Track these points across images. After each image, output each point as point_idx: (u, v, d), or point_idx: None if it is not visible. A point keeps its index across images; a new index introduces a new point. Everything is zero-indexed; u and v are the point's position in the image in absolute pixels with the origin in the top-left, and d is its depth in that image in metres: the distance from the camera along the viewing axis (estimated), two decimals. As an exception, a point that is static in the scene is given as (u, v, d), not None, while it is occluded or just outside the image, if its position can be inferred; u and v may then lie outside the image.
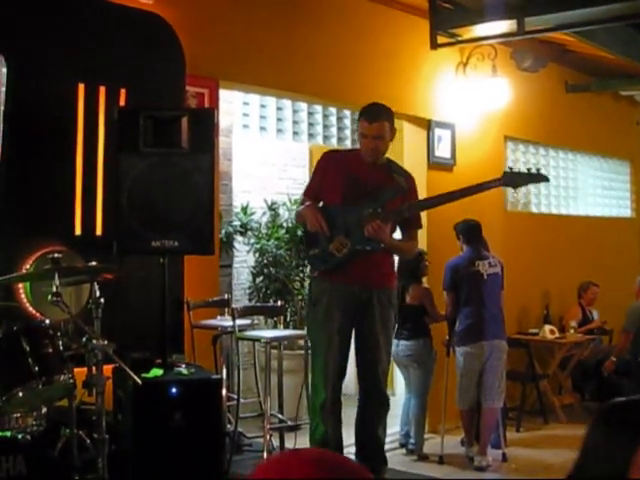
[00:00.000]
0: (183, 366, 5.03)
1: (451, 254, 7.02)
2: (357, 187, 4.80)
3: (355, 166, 4.87)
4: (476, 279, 6.69)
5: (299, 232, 7.83)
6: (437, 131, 7.92)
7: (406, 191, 4.87)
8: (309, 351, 6.04)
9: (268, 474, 1.33)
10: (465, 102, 8.13)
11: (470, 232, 6.85)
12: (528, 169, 5.04)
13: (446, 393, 6.93)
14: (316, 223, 4.72)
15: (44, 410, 4.02)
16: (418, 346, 6.77)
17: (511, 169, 5.01)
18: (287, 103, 8.56)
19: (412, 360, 6.80)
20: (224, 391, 5.13)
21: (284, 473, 1.31)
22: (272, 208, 8.23)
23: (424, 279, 7.01)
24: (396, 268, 6.92)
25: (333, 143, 8.84)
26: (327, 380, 4.79)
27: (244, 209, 7.99)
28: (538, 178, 4.98)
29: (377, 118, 4.80)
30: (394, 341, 6.80)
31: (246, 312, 6.13)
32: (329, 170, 4.95)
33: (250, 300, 7.89)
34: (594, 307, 9.37)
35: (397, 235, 5.04)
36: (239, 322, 5.75)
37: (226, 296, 6.39)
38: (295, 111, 8.64)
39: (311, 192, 5.02)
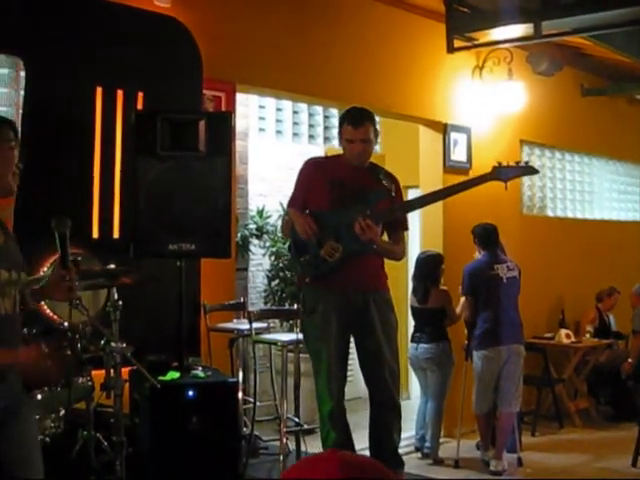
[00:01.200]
0: (200, 369, 5.03)
1: (466, 258, 7.01)
2: (343, 191, 4.77)
3: (339, 171, 4.84)
4: (495, 283, 6.67)
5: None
6: (453, 135, 7.91)
7: (392, 192, 4.86)
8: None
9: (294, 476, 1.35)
10: (481, 106, 8.12)
11: (488, 236, 6.82)
12: (517, 162, 5.03)
13: (464, 397, 6.91)
14: (307, 228, 4.68)
15: (62, 412, 4.02)
16: (438, 349, 6.77)
17: (500, 163, 4.99)
18: (303, 106, 8.58)
19: (431, 363, 6.79)
20: (240, 394, 5.13)
21: (311, 474, 1.32)
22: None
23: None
24: (415, 272, 6.97)
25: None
26: (332, 388, 4.76)
27: (260, 212, 7.99)
28: (527, 170, 5.00)
29: (362, 122, 4.78)
30: (412, 345, 6.83)
31: (262, 315, 6.13)
32: (314, 178, 4.91)
33: (266, 303, 7.88)
34: (610, 312, 9.33)
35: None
36: (255, 325, 5.74)
37: (242, 299, 6.39)
38: (311, 114, 8.65)
39: (297, 202, 4.94)
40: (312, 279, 4.78)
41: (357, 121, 4.78)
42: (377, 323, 4.77)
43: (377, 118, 8.96)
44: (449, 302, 6.86)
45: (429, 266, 6.85)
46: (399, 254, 5.04)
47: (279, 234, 7.94)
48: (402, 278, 8.58)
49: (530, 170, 5.05)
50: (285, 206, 8.13)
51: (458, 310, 6.93)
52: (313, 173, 4.94)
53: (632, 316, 8.15)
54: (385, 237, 4.98)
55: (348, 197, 4.75)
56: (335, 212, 4.74)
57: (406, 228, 5.06)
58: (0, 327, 2.83)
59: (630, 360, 8.12)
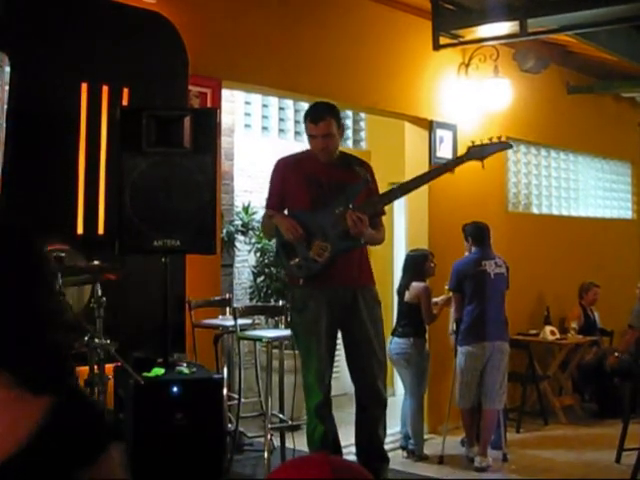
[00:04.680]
0: (184, 365, 5.03)
1: (452, 254, 7.04)
2: (321, 188, 4.79)
3: (313, 167, 4.86)
4: (482, 278, 6.71)
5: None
6: (439, 132, 7.93)
7: (369, 181, 4.88)
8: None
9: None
10: (467, 103, 8.14)
11: (480, 233, 6.87)
12: (490, 138, 5.04)
13: (451, 395, 6.93)
14: (293, 230, 4.69)
15: (46, 409, 4.02)
16: (407, 345, 6.72)
17: (473, 142, 5.01)
18: (289, 103, 8.57)
19: (401, 359, 6.76)
20: (225, 390, 5.12)
21: (300, 476, 1.33)
22: (273, 208, 8.23)
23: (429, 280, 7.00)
24: (402, 267, 6.98)
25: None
26: (321, 381, 4.79)
27: (245, 209, 7.98)
28: (501, 146, 5.01)
29: (322, 117, 4.80)
30: (389, 338, 6.80)
31: (247, 312, 6.14)
32: (288, 176, 4.92)
33: (251, 299, 7.89)
34: (595, 308, 9.38)
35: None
36: (240, 322, 5.76)
37: (227, 295, 6.40)
38: (297, 111, 8.65)
39: (274, 202, 4.97)
40: (305, 280, 4.79)
41: (316, 117, 4.81)
42: (366, 318, 4.81)
43: (362, 115, 9.13)
44: (426, 298, 6.77)
45: (414, 262, 6.87)
46: (381, 239, 5.07)
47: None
48: (388, 273, 8.61)
49: (504, 146, 5.05)
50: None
51: (438, 301, 6.92)
52: (286, 172, 4.95)
53: (632, 310, 8.17)
54: None
55: (328, 195, 4.76)
56: (317, 211, 4.75)
57: (384, 213, 5.07)
58: None
59: (617, 354, 8.16)
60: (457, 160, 5.12)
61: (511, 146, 5.22)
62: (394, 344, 6.75)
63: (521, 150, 9.51)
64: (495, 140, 4.99)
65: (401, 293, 6.85)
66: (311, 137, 4.86)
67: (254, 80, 6.51)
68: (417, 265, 6.84)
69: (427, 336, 6.92)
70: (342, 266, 4.73)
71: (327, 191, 4.78)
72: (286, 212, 4.95)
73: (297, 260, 4.75)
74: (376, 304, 4.93)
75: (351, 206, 4.68)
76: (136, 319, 5.16)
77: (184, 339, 5.66)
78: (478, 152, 4.94)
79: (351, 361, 4.94)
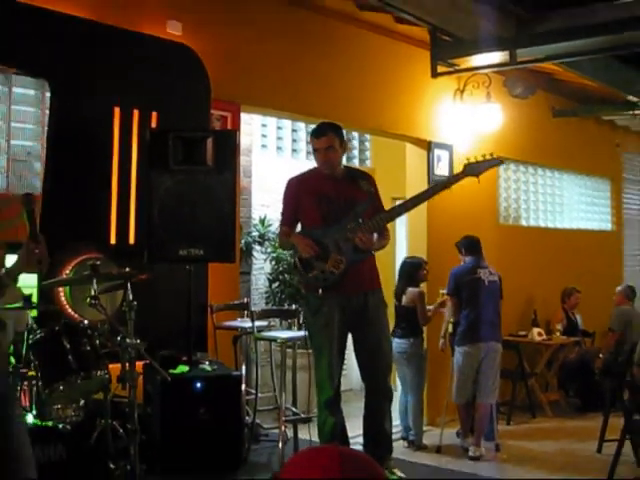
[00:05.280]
0: (207, 363, 5.03)
1: (448, 262, 7.02)
2: (332, 205, 4.77)
3: (321, 184, 4.83)
4: (477, 285, 6.68)
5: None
6: (437, 151, 7.91)
7: (374, 195, 4.87)
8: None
9: (298, 469, 1.35)
10: (462, 125, 8.12)
11: (472, 245, 6.85)
12: (483, 155, 5.00)
13: (448, 390, 6.90)
14: (309, 249, 4.69)
15: (82, 402, 4.02)
16: (408, 345, 6.71)
17: (468, 159, 4.98)
18: (301, 125, 8.58)
19: (403, 357, 6.75)
20: (243, 386, 5.12)
21: (313, 466, 1.34)
22: (287, 220, 8.21)
23: (423, 285, 6.97)
24: (398, 271, 6.97)
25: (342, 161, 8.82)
26: (332, 378, 4.77)
27: (262, 221, 7.98)
28: (494, 162, 4.95)
29: (323, 132, 4.83)
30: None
31: (264, 315, 6.11)
32: (300, 195, 4.89)
33: (267, 304, 7.87)
34: (577, 312, 9.34)
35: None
36: (257, 324, 5.73)
37: (245, 300, 6.38)
38: (308, 133, 8.63)
39: (288, 219, 4.95)
40: (324, 290, 4.76)
41: (319, 132, 4.85)
42: (375, 321, 4.79)
43: (367, 136, 9.12)
44: (420, 302, 6.75)
45: (409, 269, 6.85)
46: (387, 242, 5.05)
47: (279, 241, 7.94)
48: (390, 281, 8.58)
49: (497, 161, 4.97)
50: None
51: (431, 308, 6.91)
52: (297, 191, 4.92)
53: (611, 314, 8.13)
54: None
55: (338, 211, 4.74)
56: (330, 227, 4.73)
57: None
58: None
59: (601, 356, 8.11)
60: (455, 177, 5.08)
61: (502, 162, 5.15)
62: (395, 344, 6.71)
63: (511, 168, 9.50)
64: (488, 157, 4.95)
65: (398, 296, 6.82)
66: (315, 151, 4.88)
67: (270, 104, 6.51)
68: (411, 272, 6.82)
69: (424, 336, 6.90)
70: (354, 275, 4.72)
71: (337, 207, 4.76)
72: (299, 227, 4.93)
73: (315, 272, 4.73)
74: (383, 305, 4.93)
75: (361, 220, 4.68)
76: (163, 321, 5.15)
77: (206, 339, 5.65)
78: (474, 169, 4.91)
79: (362, 360, 4.90)
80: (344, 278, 4.69)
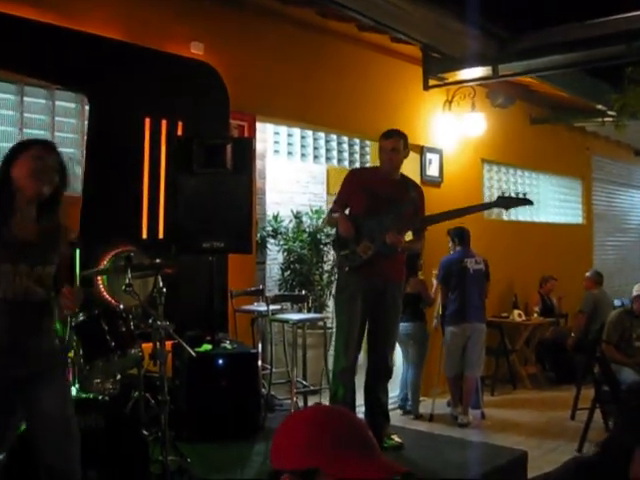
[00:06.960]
0: (227, 342, 5.02)
1: (439, 252, 7.01)
2: (377, 200, 4.70)
3: (375, 181, 4.77)
4: (464, 273, 6.70)
5: (319, 236, 7.81)
6: (428, 155, 7.89)
7: (417, 202, 4.82)
8: (328, 330, 6.04)
9: (287, 425, 1.41)
10: (450, 132, 8.10)
11: (462, 235, 6.84)
12: (517, 194, 4.91)
13: (439, 365, 6.90)
14: (347, 230, 4.64)
15: (119, 377, 4.01)
16: (415, 327, 6.75)
17: (503, 193, 4.95)
18: (309, 133, 8.54)
19: (410, 339, 6.77)
20: (260, 362, 5.11)
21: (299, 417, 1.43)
22: (297, 217, 8.20)
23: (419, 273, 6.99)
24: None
25: (345, 165, 8.83)
26: (348, 350, 4.69)
27: (275, 217, 7.97)
28: (525, 202, 4.87)
29: (391, 135, 4.77)
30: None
31: (277, 299, 6.09)
32: (354, 185, 4.83)
33: (280, 290, 7.85)
34: (552, 295, 9.32)
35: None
36: (271, 307, 5.72)
37: (261, 287, 6.37)
38: (315, 139, 8.62)
39: (340, 202, 4.87)
40: (350, 268, 4.73)
41: (388, 134, 4.77)
42: (390, 306, 4.73)
43: (367, 142, 9.09)
44: (425, 289, 6.84)
45: (409, 260, 6.83)
46: (419, 248, 5.05)
47: (290, 234, 7.92)
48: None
49: (526, 202, 4.85)
50: (295, 212, 8.17)
51: (432, 292, 6.94)
52: (353, 182, 4.85)
53: (583, 298, 8.08)
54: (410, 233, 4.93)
55: (380, 206, 4.67)
56: (371, 217, 4.67)
57: (425, 229, 4.99)
58: (11, 310, 2.74)
59: (573, 335, 8.08)
60: (486, 205, 5.06)
61: (531, 202, 5.02)
62: (402, 328, 6.70)
63: (493, 169, 9.48)
64: (520, 196, 4.83)
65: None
66: (381, 150, 4.77)
67: (281, 115, 6.50)
68: (411, 263, 6.79)
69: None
70: (381, 264, 4.62)
71: (380, 202, 4.68)
72: (347, 211, 4.88)
73: (346, 252, 4.70)
74: (399, 295, 4.83)
75: (397, 219, 4.62)
76: (189, 306, 5.15)
77: (227, 321, 5.65)
78: (505, 202, 4.86)
79: (372, 338, 4.82)
80: (370, 264, 4.63)
